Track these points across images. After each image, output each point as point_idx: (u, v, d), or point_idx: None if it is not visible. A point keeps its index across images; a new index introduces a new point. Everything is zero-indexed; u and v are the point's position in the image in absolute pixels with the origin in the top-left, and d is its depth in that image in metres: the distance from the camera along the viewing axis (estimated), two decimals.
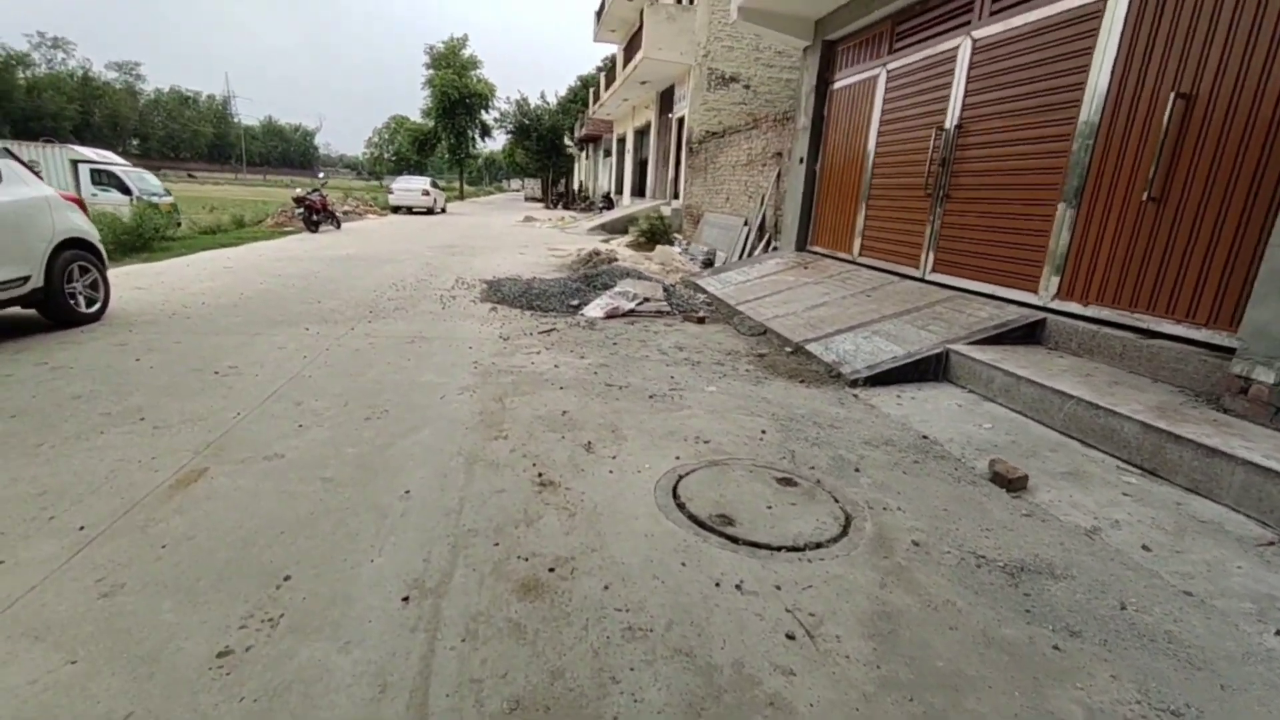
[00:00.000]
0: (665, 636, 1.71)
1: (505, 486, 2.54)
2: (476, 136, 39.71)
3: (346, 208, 19.43)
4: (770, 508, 2.46)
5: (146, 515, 2.21)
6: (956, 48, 5.24)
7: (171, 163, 64.37)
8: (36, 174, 4.68)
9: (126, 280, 6.71)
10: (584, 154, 37.71)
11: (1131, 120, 3.79)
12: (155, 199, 13.27)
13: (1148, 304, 3.72)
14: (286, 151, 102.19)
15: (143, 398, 3.35)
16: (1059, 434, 3.31)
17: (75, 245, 4.72)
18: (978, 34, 5.01)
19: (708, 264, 9.74)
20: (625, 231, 15.76)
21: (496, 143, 45.57)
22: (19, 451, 2.65)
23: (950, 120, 5.32)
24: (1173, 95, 3.51)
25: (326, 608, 1.77)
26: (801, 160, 8.04)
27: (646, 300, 6.47)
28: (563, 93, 38.19)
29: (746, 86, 13.90)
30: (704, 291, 7.47)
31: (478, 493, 2.48)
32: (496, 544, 2.13)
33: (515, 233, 16.53)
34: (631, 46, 17.04)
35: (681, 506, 2.43)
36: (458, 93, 36.06)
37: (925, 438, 3.32)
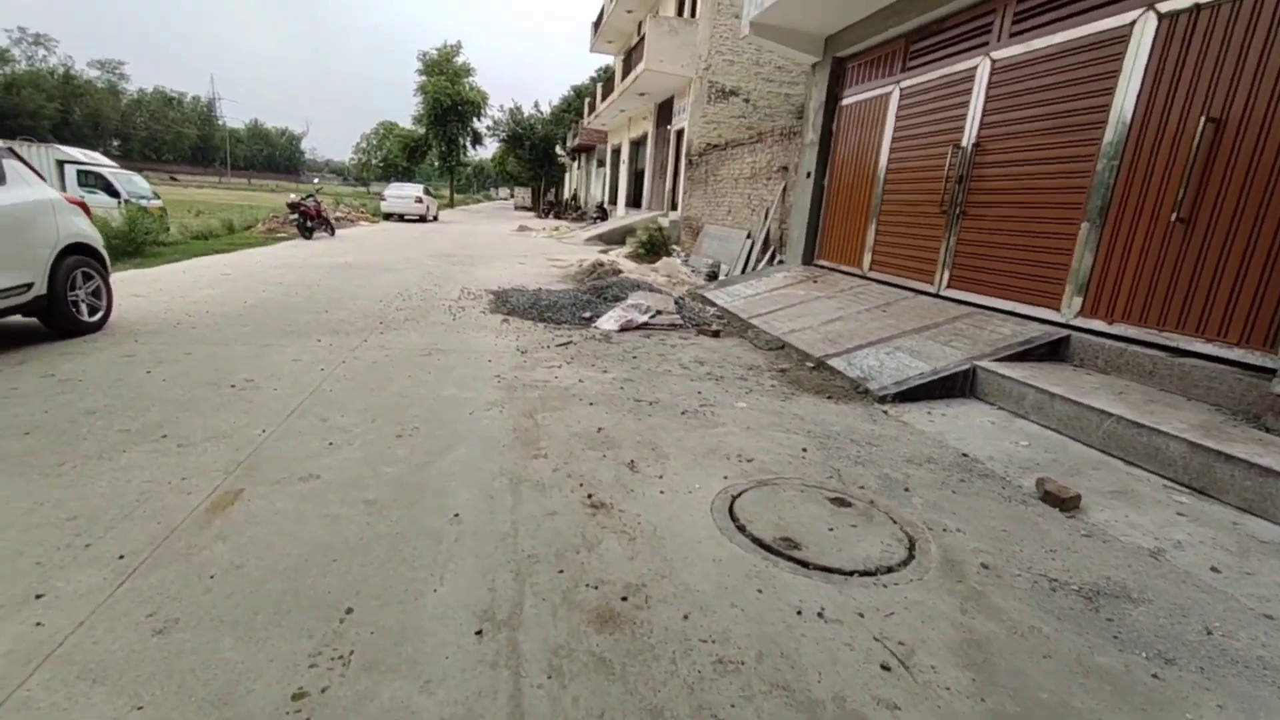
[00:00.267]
0: (758, 669, 1.64)
1: (556, 509, 2.46)
2: (468, 144, 39.66)
3: (339, 214, 19.19)
4: (832, 530, 2.40)
5: (187, 542, 2.09)
6: (975, 67, 5.30)
7: (154, 164, 63.21)
8: (40, 175, 4.51)
9: (123, 287, 6.50)
10: (576, 164, 37.77)
11: (1159, 142, 3.84)
12: (144, 202, 12.98)
13: (1177, 323, 3.75)
14: (272, 156, 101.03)
15: (160, 413, 3.21)
16: (1099, 452, 3.31)
17: (79, 251, 4.55)
18: (997, 55, 5.07)
19: (712, 276, 9.73)
20: (623, 242, 15.74)
21: (487, 150, 45.50)
22: (39, 472, 2.51)
23: (967, 138, 5.37)
24: (1202, 119, 3.56)
25: (397, 643, 1.68)
26: (809, 175, 8.08)
27: (659, 313, 6.42)
28: (556, 102, 38.27)
29: (746, 100, 14.01)
30: (713, 304, 7.44)
31: (529, 515, 2.39)
32: (561, 571, 2.04)
33: (511, 242, 16.43)
34: (630, 58, 17.13)
35: (742, 529, 2.37)
36: (450, 99, 36.06)
37: (965, 455, 3.29)
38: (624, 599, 1.92)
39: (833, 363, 4.78)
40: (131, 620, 1.71)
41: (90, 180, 12.79)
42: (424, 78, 37.18)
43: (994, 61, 5.11)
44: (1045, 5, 4.67)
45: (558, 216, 32.86)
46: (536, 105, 39.04)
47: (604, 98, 21.09)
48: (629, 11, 20.56)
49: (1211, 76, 3.58)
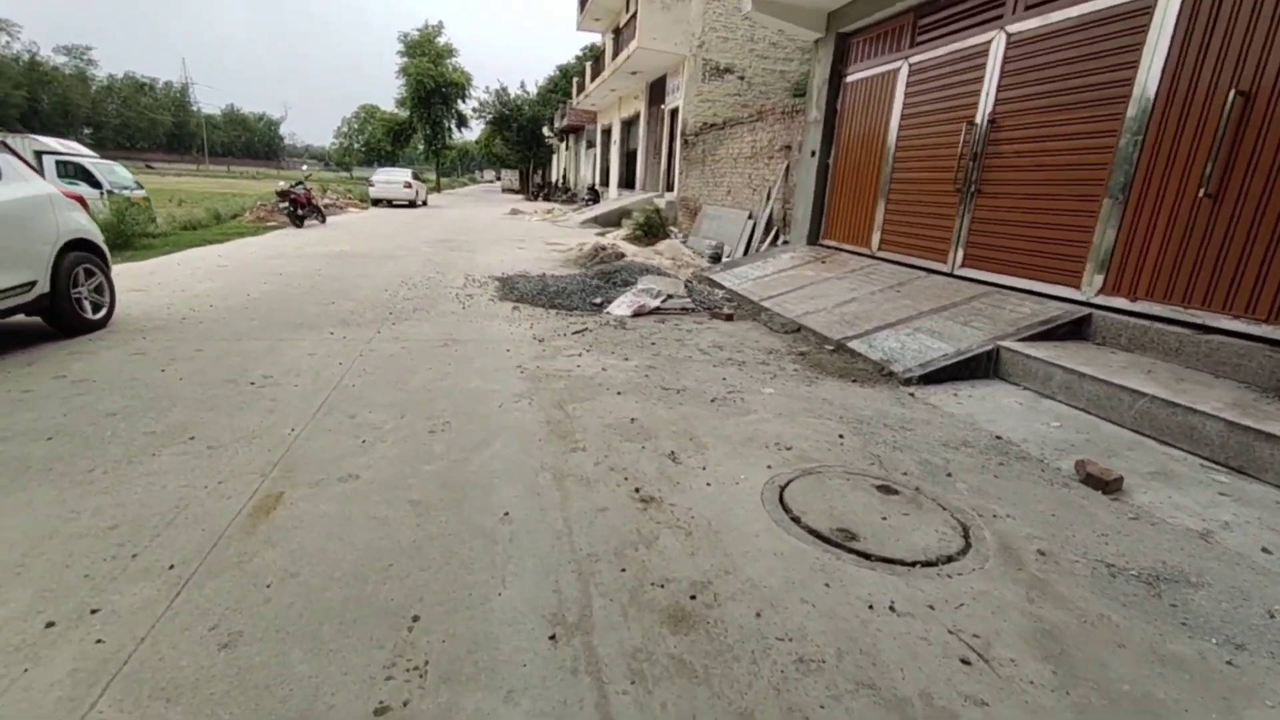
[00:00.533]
0: (840, 667, 1.63)
1: (606, 504, 2.42)
2: (453, 127, 38.93)
3: (327, 201, 18.80)
4: (885, 519, 2.39)
5: (237, 549, 2.03)
6: (989, 41, 5.21)
7: (128, 153, 61.40)
8: (36, 170, 4.33)
9: (121, 282, 6.25)
10: (564, 145, 37.20)
11: (1185, 116, 3.80)
12: (127, 192, 12.61)
13: (1203, 300, 3.75)
14: (250, 142, 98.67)
15: (183, 414, 3.12)
16: (1131, 432, 3.32)
17: (79, 247, 4.40)
18: (1012, 28, 4.99)
19: (715, 258, 9.65)
20: (618, 224, 15.57)
21: (472, 133, 44.73)
22: (70, 480, 2.43)
23: (981, 114, 5.31)
24: (1231, 92, 3.52)
25: (471, 651, 1.64)
26: (813, 153, 7.99)
27: (670, 297, 6.36)
28: (542, 83, 37.55)
29: (741, 78, 13.80)
30: (721, 287, 7.38)
31: (580, 512, 2.36)
32: (623, 570, 2.01)
33: (505, 226, 16.20)
34: (620, 36, 16.79)
35: (797, 520, 2.35)
36: (433, 81, 35.30)
37: (999, 438, 3.29)
38: (693, 597, 1.89)
39: (853, 345, 4.76)
40: (195, 634, 1.66)
41: (70, 171, 12.37)
42: (406, 59, 36.30)
43: (1009, 35, 5.02)
44: None
45: (547, 199, 32.45)
46: (523, 86, 38.25)
47: (594, 77, 20.70)
48: None
49: (1241, 48, 3.53)
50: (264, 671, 1.55)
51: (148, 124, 75.45)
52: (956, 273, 5.69)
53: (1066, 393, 3.72)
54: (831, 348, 4.90)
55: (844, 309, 5.62)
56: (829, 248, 7.82)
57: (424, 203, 24.07)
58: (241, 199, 18.10)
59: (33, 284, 3.92)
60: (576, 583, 1.94)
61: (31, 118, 53.40)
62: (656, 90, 17.08)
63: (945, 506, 2.52)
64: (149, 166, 53.92)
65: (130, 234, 9.06)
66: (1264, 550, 2.26)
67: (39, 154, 12.33)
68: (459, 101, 37.69)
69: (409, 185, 22.22)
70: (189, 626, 1.69)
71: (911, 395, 3.95)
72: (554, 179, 39.49)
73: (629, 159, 20.87)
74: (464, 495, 2.44)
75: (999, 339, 4.29)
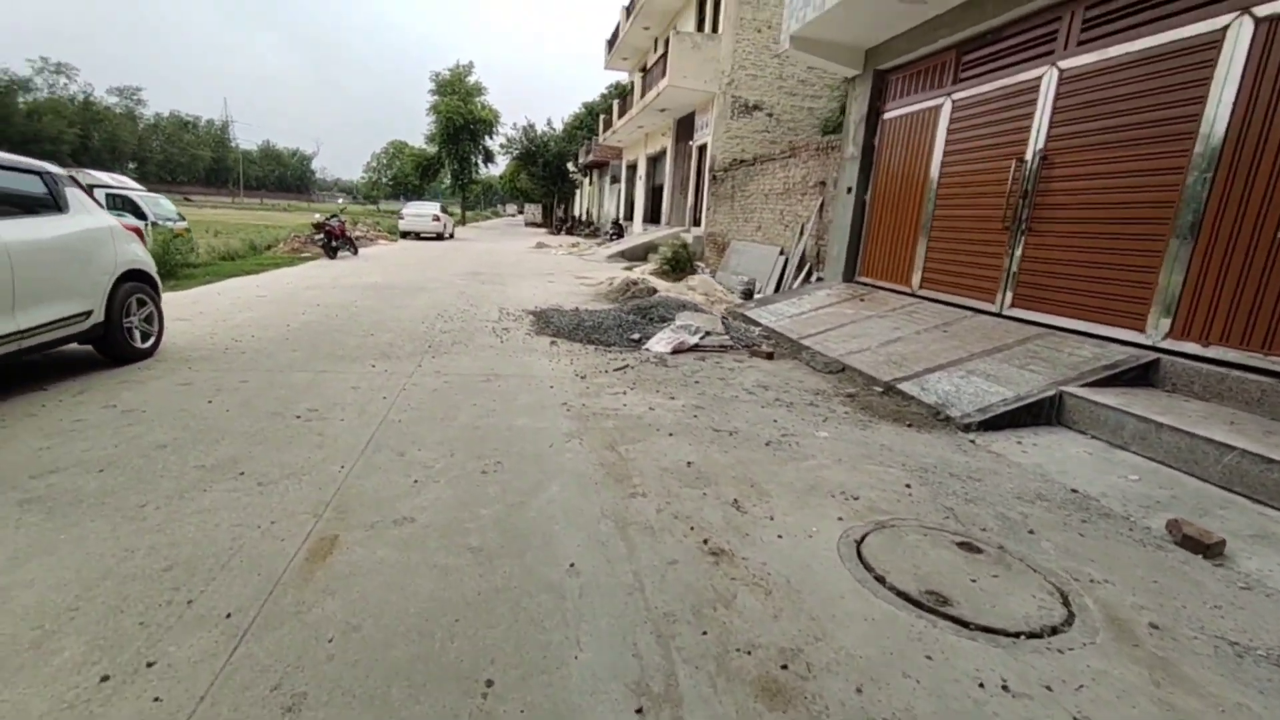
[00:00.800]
0: None
1: (675, 556, 2.29)
2: (480, 162, 39.98)
3: (358, 233, 19.24)
4: (974, 581, 2.22)
5: (294, 598, 1.93)
6: (1039, 78, 5.17)
7: (169, 186, 64.03)
8: (98, 202, 4.44)
9: (166, 311, 6.40)
10: (588, 180, 37.95)
11: (1260, 154, 3.68)
12: (170, 224, 13.04)
13: None
14: (283, 176, 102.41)
15: (232, 447, 3.07)
16: (1219, 489, 3.10)
17: (133, 277, 4.46)
18: (1065, 64, 4.94)
19: (748, 294, 9.59)
20: (644, 259, 15.65)
21: (497, 167, 45.88)
22: (123, 515, 2.36)
23: (1032, 151, 5.23)
24: None
25: None
26: (850, 190, 7.96)
27: (708, 334, 6.27)
28: (568, 119, 38.56)
29: (770, 115, 13.98)
30: (757, 324, 7.29)
31: (649, 565, 2.22)
32: (704, 632, 1.87)
33: (533, 259, 16.39)
34: (648, 74, 17.19)
35: (882, 580, 2.19)
36: (462, 119, 36.42)
37: (1075, 491, 3.10)
38: (784, 667, 1.74)
39: (903, 387, 4.61)
40: (256, 694, 1.55)
41: (118, 204, 12.86)
42: (436, 97, 37.63)
43: (1061, 71, 4.97)
44: (1119, 12, 4.53)
45: (570, 233, 32.94)
46: (549, 123, 39.33)
47: (621, 114, 21.18)
48: (645, 28, 20.70)
49: None
50: None
51: (189, 159, 78.86)
52: (1005, 313, 5.54)
53: (1141, 443, 3.52)
54: (881, 389, 4.75)
55: (890, 349, 5.47)
56: (866, 285, 7.71)
57: (451, 235, 24.55)
58: (275, 230, 18.62)
59: (89, 313, 3.96)
60: (657, 646, 1.80)
61: (82, 153, 56.12)
62: (684, 127, 17.38)
63: (1036, 568, 2.34)
64: (187, 199, 56.04)
65: (174, 264, 9.27)
66: None
67: (91, 187, 12.84)
68: (486, 138, 38.81)
69: (437, 218, 22.71)
70: (250, 685, 1.58)
71: (972, 442, 3.78)
72: (577, 213, 40.19)
73: (654, 194, 21.15)
74: (525, 543, 2.33)
75: (1061, 384, 4.11)
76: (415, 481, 2.80)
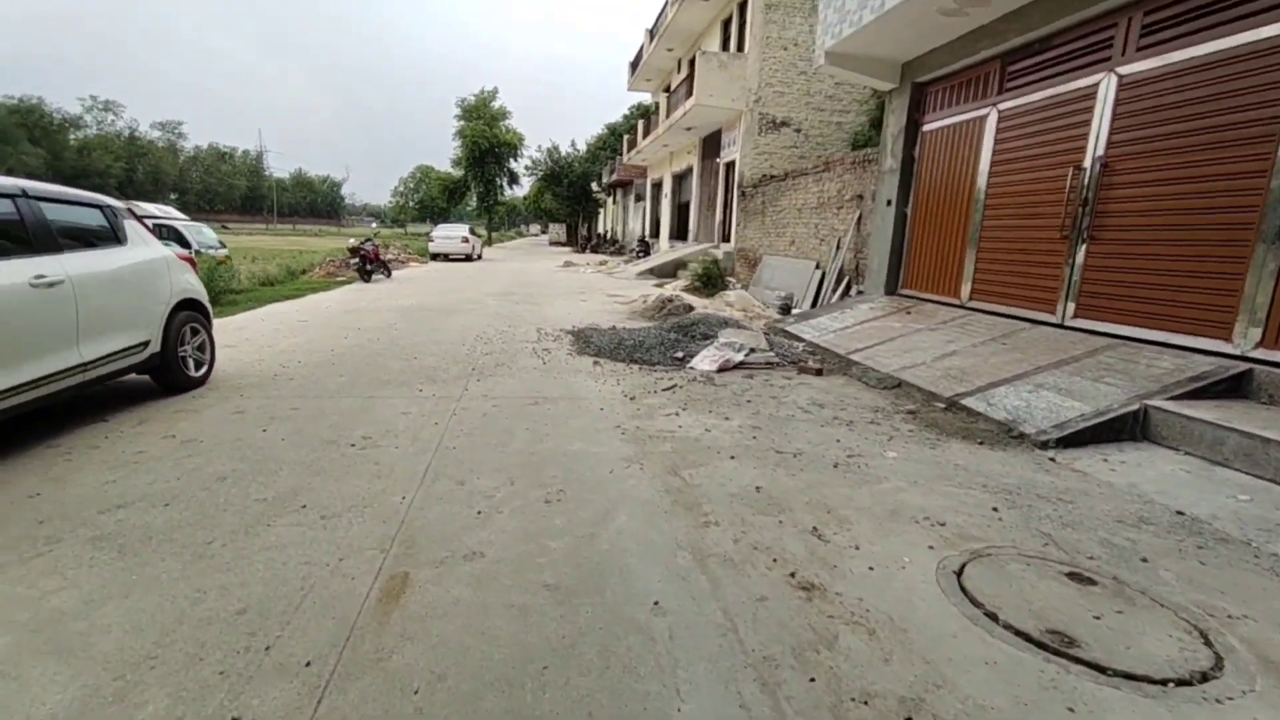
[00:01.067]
0: None
1: (763, 592, 2.14)
2: (504, 184, 40.64)
3: (390, 256, 19.58)
4: (1097, 618, 2.02)
5: (373, 644, 1.83)
6: (1096, 84, 4.98)
7: (207, 214, 66.44)
8: (154, 234, 4.52)
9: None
10: (612, 199, 38.27)
11: None
12: (212, 251, 13.41)
13: None
14: (314, 202, 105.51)
15: (291, 478, 3.02)
16: None
17: (187, 306, 4.51)
18: (1124, 70, 4.75)
19: (785, 309, 9.42)
20: (674, 275, 15.60)
21: (522, 189, 46.62)
22: (192, 552, 2.31)
23: (1090, 158, 5.02)
24: None
25: None
26: (889, 202, 7.80)
27: (753, 351, 6.13)
28: (591, 140, 39.06)
29: (798, 130, 13.90)
30: (800, 339, 7.12)
31: (737, 602, 2.08)
32: (812, 679, 1.72)
33: (562, 278, 16.45)
34: (673, 94, 17.28)
35: (994, 617, 2.01)
36: (487, 142, 37.10)
37: (1182, 514, 2.87)
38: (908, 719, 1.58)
39: (968, 403, 4.40)
40: None
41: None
42: (462, 122, 38.45)
43: (1121, 77, 4.78)
44: (1181, 17, 4.36)
45: (594, 251, 33.15)
46: (573, 144, 39.92)
47: (646, 134, 21.33)
48: (669, 50, 20.90)
49: None
50: None
51: (226, 188, 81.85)
52: (1068, 323, 5.29)
53: (1246, 460, 3.26)
54: (943, 405, 4.54)
55: (946, 363, 5.26)
56: (911, 298, 7.50)
57: (479, 256, 24.86)
58: (310, 255, 19.05)
59: (147, 343, 4.00)
60: (763, 695, 1.66)
61: (128, 186, 58.65)
62: (710, 144, 17.40)
63: (1162, 602, 2.14)
64: (225, 227, 58.01)
65: (218, 291, 9.48)
66: None
67: (138, 218, 13.31)
68: (511, 160, 39.46)
69: (466, 240, 23.03)
70: None
71: (1052, 460, 3.56)
72: (601, 232, 40.48)
73: (681, 211, 21.16)
74: (602, 579, 2.20)
75: (1143, 397, 3.87)
76: (479, 513, 2.71)
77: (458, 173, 41.83)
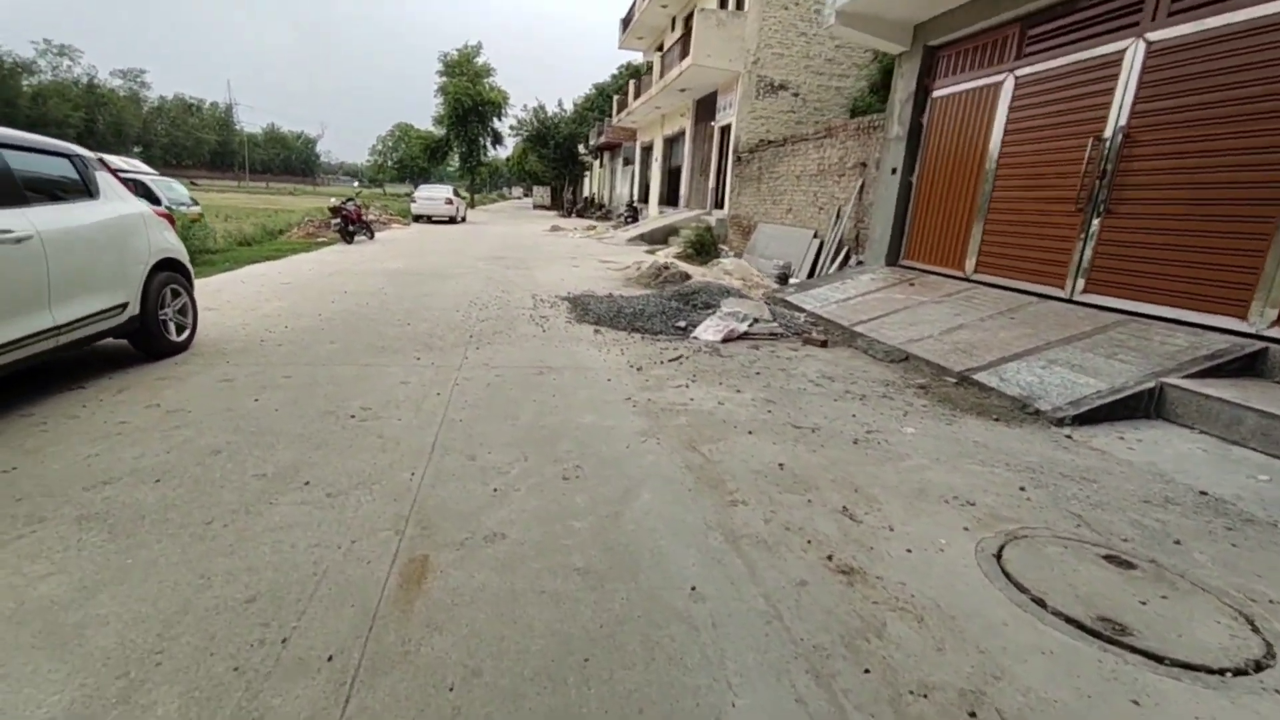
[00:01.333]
0: None
1: (802, 576, 2.06)
2: (488, 144, 39.38)
3: (371, 216, 18.93)
4: (1144, 604, 1.98)
5: (398, 634, 1.71)
6: (1122, 51, 4.81)
7: (174, 170, 63.46)
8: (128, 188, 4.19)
9: None
10: (599, 162, 37.38)
11: None
12: (184, 209, 12.77)
13: None
14: (288, 159, 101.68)
15: (290, 452, 2.85)
16: None
17: (167, 266, 4.23)
18: (1153, 36, 4.58)
19: (783, 279, 9.29)
20: (665, 242, 15.32)
21: (506, 149, 45.23)
22: (190, 534, 2.15)
23: (1112, 128, 4.89)
24: None
25: None
26: (894, 171, 7.62)
27: (756, 321, 6.01)
28: (579, 100, 37.85)
29: (795, 94, 13.52)
30: (800, 310, 7.01)
31: (777, 587, 1.99)
32: (866, 671, 1.64)
33: (551, 243, 16.06)
34: (667, 54, 16.69)
35: (1042, 603, 1.95)
36: (471, 100, 35.77)
37: (1205, 494, 2.85)
38: (971, 715, 1.51)
39: (980, 378, 4.34)
40: None
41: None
42: (444, 79, 36.94)
43: (1149, 44, 4.62)
44: None
45: (580, 215, 32.51)
46: (560, 104, 38.63)
47: (637, 95, 20.67)
48: (663, 7, 20.10)
49: None
50: None
51: (194, 143, 78.25)
52: (1077, 298, 5.24)
53: (1264, 440, 3.25)
54: (954, 380, 4.48)
55: (954, 336, 5.20)
56: (913, 269, 7.40)
57: (464, 219, 24.18)
58: (287, 215, 18.33)
59: (125, 306, 3.73)
60: (818, 688, 1.58)
61: (88, 137, 55.66)
62: (704, 107, 16.90)
63: (1204, 587, 2.10)
64: (193, 183, 55.58)
65: (193, 251, 9.02)
66: None
67: (111, 170, 12.58)
68: (495, 119, 38.17)
69: (450, 201, 22.33)
70: None
71: (1069, 438, 3.53)
72: (588, 196, 39.65)
73: (672, 176, 20.70)
74: (635, 563, 2.10)
75: (1159, 375, 3.84)
76: (495, 490, 2.58)
77: (439, 131, 40.31)
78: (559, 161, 37.85)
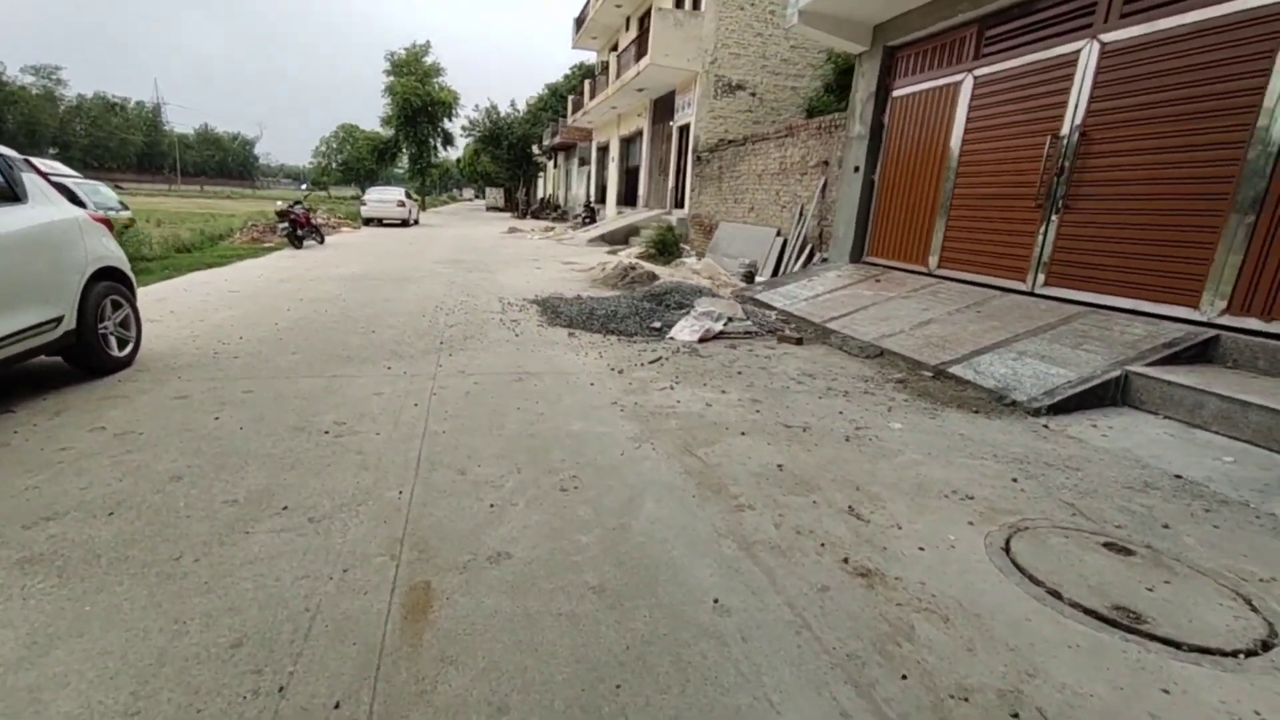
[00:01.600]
0: None
1: (822, 581, 2.01)
2: (438, 145, 38.43)
3: (320, 220, 18.15)
4: (1150, 590, 2.02)
5: (409, 673, 1.57)
6: (1077, 52, 5.01)
7: (96, 172, 59.26)
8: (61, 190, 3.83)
9: None
10: (553, 163, 37.00)
11: None
12: (112, 213, 11.91)
13: None
14: (224, 161, 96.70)
15: (261, 474, 2.64)
16: None
17: (106, 275, 3.88)
18: (1107, 37, 4.79)
19: (749, 277, 9.35)
20: (625, 242, 15.25)
21: (457, 150, 44.23)
22: (156, 572, 1.94)
23: (1069, 126, 5.09)
24: None
25: None
26: (857, 169, 7.76)
27: (730, 320, 6.00)
28: (532, 100, 37.34)
29: (753, 94, 13.68)
30: (770, 307, 7.05)
31: (799, 594, 1.94)
32: (904, 676, 1.60)
33: (509, 245, 15.75)
34: (623, 53, 16.62)
35: (1058, 595, 1.96)
36: (420, 100, 34.82)
37: (1180, 478, 2.96)
38: (1014, 716, 1.49)
39: (955, 371, 4.44)
40: None
41: None
42: (392, 78, 35.82)
43: (1104, 44, 4.82)
44: None
45: (535, 217, 32.09)
46: (513, 104, 37.94)
47: (592, 95, 20.51)
48: (617, 6, 20.01)
49: None
50: None
51: (118, 144, 73.42)
52: (1038, 291, 5.43)
53: (1224, 423, 3.42)
54: (930, 374, 4.57)
55: (925, 331, 5.31)
56: (878, 265, 7.56)
57: (416, 221, 23.49)
58: (228, 220, 17.38)
59: (59, 320, 3.39)
60: (860, 699, 1.53)
61: None
62: (662, 107, 16.91)
63: (1200, 570, 2.16)
64: (118, 187, 52.16)
65: (129, 259, 8.40)
66: None
67: (40, 173, 11.60)
68: (445, 120, 37.26)
69: (402, 204, 21.66)
70: None
71: (1046, 427, 3.63)
72: (543, 197, 39.19)
73: (630, 176, 20.64)
74: (651, 577, 2.01)
75: (1124, 363, 4.00)
76: (491, 506, 2.44)
77: (387, 132, 39.10)
78: (513, 162, 37.27)
